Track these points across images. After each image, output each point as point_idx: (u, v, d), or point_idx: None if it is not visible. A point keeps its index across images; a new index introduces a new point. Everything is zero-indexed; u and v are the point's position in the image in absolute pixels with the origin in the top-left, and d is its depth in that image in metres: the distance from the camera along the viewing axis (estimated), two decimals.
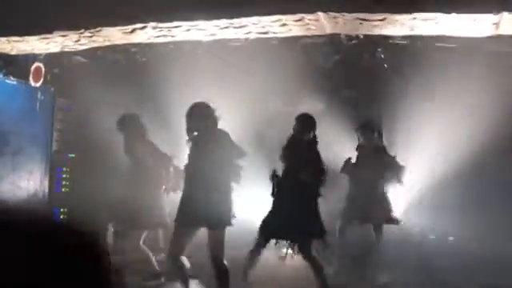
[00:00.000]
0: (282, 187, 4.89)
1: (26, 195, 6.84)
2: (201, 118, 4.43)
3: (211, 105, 4.53)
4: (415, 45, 5.70)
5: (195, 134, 4.46)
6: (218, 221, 4.31)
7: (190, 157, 4.47)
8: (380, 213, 5.84)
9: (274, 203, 4.94)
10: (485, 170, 6.29)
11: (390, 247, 6.13)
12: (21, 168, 6.76)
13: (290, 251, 5.54)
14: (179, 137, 7.26)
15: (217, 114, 4.50)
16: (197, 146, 4.43)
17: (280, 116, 7.51)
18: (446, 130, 6.25)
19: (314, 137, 5.03)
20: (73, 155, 7.81)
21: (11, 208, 0.85)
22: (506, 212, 6.00)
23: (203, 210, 4.25)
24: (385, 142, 6.07)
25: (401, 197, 7.05)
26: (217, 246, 4.33)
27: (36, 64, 6.25)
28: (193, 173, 4.40)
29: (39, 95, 6.87)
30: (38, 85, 6.44)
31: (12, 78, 6.24)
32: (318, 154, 4.99)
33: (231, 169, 4.44)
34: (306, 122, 5.02)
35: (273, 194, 4.92)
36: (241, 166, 4.50)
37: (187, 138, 4.50)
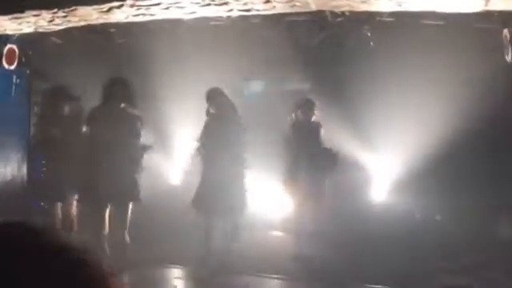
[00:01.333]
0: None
1: (3, 182, 6.62)
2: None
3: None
4: (402, 22, 5.56)
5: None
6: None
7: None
8: None
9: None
10: (473, 148, 6.24)
11: (376, 226, 6.10)
12: None
13: None
14: (158, 119, 7.15)
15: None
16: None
17: (265, 96, 7.38)
18: (434, 108, 6.16)
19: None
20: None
21: None
22: (493, 193, 6.00)
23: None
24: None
25: (387, 177, 7.04)
26: None
27: (9, 46, 5.97)
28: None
29: (14, 78, 6.59)
30: (13, 67, 6.17)
31: None
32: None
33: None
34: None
35: None
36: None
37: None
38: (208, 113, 5.57)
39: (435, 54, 5.99)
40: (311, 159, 5.80)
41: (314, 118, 6.09)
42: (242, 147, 5.40)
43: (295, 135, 5.99)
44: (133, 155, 5.26)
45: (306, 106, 6.11)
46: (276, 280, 5.39)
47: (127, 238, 5.18)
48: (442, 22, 5.30)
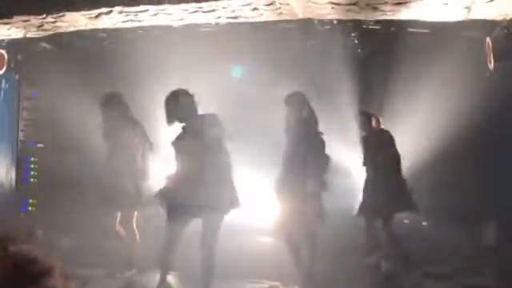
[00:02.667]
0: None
1: None
2: (184, 105, 4.29)
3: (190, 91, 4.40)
4: (388, 30, 5.65)
5: (182, 123, 4.31)
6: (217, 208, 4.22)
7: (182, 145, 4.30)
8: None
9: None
10: (458, 156, 6.31)
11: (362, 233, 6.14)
12: None
13: None
14: (147, 122, 7.15)
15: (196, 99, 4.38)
16: (187, 134, 4.29)
17: (253, 102, 7.42)
18: (419, 116, 6.24)
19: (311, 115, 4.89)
20: (41, 145, 7.57)
21: None
22: (480, 197, 6.06)
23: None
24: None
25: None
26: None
27: None
28: (188, 159, 4.25)
29: (3, 83, 6.60)
30: (1, 72, 6.18)
31: None
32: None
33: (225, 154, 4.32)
34: (297, 101, 4.87)
35: None
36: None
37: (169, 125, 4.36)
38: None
39: (420, 62, 6.07)
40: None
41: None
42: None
43: None
44: None
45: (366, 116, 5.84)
46: (263, 286, 5.40)
47: None
48: (426, 30, 5.40)
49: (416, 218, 6.71)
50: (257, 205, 6.32)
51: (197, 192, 4.12)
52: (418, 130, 6.25)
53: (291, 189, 4.70)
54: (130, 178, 5.13)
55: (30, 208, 7.30)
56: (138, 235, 5.29)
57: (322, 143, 4.80)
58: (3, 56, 6.06)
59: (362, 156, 5.84)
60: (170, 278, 5.45)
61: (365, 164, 5.81)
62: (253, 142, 6.44)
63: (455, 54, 5.49)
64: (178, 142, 4.29)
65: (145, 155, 5.24)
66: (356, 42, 6.10)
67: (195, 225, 4.43)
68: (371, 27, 5.57)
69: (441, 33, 5.34)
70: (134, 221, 5.26)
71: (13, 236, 0.79)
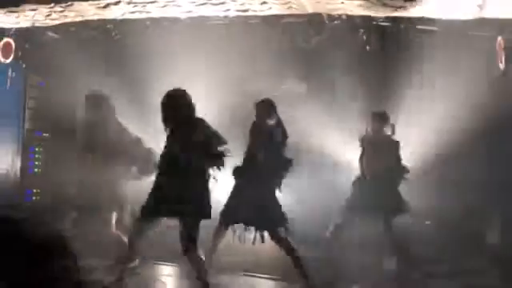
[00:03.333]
0: (243, 172, 4.83)
1: None
2: (178, 107, 4.26)
3: (187, 92, 4.35)
4: (398, 27, 5.60)
5: (172, 124, 4.28)
6: (194, 212, 4.20)
7: (168, 145, 4.31)
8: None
9: (235, 188, 4.92)
10: (464, 155, 6.27)
11: (369, 232, 6.12)
12: None
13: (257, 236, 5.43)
14: (154, 115, 7.14)
15: (193, 101, 4.32)
16: (174, 136, 4.27)
17: (260, 98, 7.36)
18: (428, 113, 6.19)
19: (278, 123, 4.88)
20: (46, 134, 7.57)
21: None
22: (486, 196, 6.03)
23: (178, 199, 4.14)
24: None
25: None
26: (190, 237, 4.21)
27: (5, 39, 5.97)
28: (169, 161, 4.25)
29: (10, 72, 6.60)
30: (8, 61, 6.17)
31: None
32: (280, 143, 4.84)
33: (212, 157, 4.27)
34: (266, 109, 4.87)
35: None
36: (222, 153, 4.36)
37: (164, 127, 4.32)
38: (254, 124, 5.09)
39: (429, 60, 6.02)
40: None
41: None
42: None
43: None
44: None
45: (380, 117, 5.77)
46: (271, 281, 5.37)
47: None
48: (436, 28, 5.34)
49: (419, 218, 6.68)
50: None
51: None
52: (425, 127, 6.21)
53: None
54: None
55: (34, 198, 7.32)
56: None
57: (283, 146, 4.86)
58: (11, 44, 6.05)
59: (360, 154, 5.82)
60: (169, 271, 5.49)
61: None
62: None
63: (465, 52, 5.44)
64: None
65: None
66: (365, 38, 6.05)
67: None
68: (381, 23, 5.52)
69: (451, 31, 5.28)
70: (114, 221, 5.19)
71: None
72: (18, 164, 7.03)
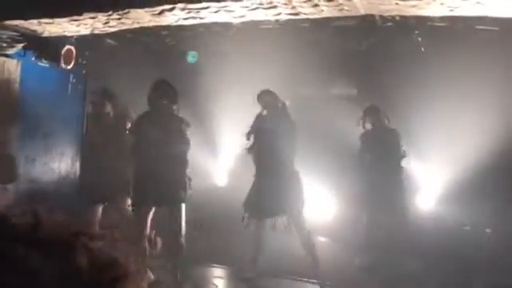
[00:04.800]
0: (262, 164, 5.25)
1: (58, 177, 6.94)
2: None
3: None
4: (455, 27, 5.41)
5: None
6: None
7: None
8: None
9: (257, 180, 5.30)
10: None
11: (423, 237, 5.95)
12: (52, 150, 6.85)
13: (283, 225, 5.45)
14: (210, 121, 7.27)
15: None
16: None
17: (312, 102, 7.35)
18: (486, 117, 5.94)
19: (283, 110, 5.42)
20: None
21: None
22: None
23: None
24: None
25: (434, 186, 6.83)
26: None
27: (67, 47, 6.26)
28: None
29: (71, 78, 6.91)
30: (70, 67, 6.46)
31: (44, 61, 6.27)
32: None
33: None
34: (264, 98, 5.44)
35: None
36: None
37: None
38: (260, 114, 5.48)
39: (489, 61, 5.78)
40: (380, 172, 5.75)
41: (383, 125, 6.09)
42: (294, 148, 5.33)
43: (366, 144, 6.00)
44: (181, 156, 5.25)
45: (372, 113, 6.13)
46: (314, 285, 5.34)
47: (183, 241, 5.05)
48: (495, 28, 5.12)
49: (478, 224, 6.42)
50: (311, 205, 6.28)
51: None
52: (485, 131, 5.95)
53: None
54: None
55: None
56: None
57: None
58: (72, 52, 6.33)
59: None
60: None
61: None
62: (314, 142, 6.43)
63: None
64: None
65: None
66: (420, 39, 5.88)
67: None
68: (436, 24, 5.35)
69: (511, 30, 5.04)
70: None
71: (91, 232, 0.74)
72: (77, 166, 7.33)
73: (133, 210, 5.15)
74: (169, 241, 5.02)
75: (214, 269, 5.91)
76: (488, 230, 6.50)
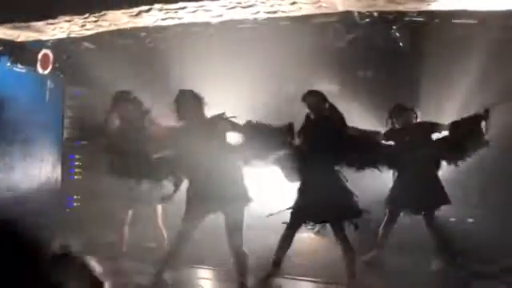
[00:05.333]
0: (307, 169, 4.80)
1: (38, 183, 6.83)
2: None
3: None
4: (432, 22, 5.45)
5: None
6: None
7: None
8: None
9: (303, 186, 4.87)
10: (507, 148, 6.05)
11: (411, 231, 5.98)
12: (32, 156, 6.74)
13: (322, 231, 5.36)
14: None
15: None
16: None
17: (292, 99, 7.34)
18: (466, 109, 6.00)
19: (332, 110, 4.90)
20: (85, 142, 7.75)
21: None
22: None
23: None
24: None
25: None
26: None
27: (44, 51, 6.16)
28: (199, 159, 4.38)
29: (48, 83, 6.80)
30: (47, 72, 6.36)
31: (20, 66, 6.15)
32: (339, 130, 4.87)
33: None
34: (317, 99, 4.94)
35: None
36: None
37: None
38: (308, 118, 5.02)
39: (466, 55, 5.83)
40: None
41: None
42: (337, 152, 4.87)
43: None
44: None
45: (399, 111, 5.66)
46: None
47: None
48: (473, 21, 5.17)
49: (463, 216, 6.49)
50: None
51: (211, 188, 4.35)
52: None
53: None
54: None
55: (75, 204, 7.51)
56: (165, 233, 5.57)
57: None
58: (48, 56, 6.23)
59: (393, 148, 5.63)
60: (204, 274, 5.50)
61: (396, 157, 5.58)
62: None
63: (505, 46, 5.24)
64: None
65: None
66: (398, 34, 5.91)
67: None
68: (414, 19, 5.38)
69: (489, 24, 5.10)
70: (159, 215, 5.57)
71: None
72: (59, 171, 7.23)
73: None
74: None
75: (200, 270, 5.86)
76: (470, 220, 6.59)
